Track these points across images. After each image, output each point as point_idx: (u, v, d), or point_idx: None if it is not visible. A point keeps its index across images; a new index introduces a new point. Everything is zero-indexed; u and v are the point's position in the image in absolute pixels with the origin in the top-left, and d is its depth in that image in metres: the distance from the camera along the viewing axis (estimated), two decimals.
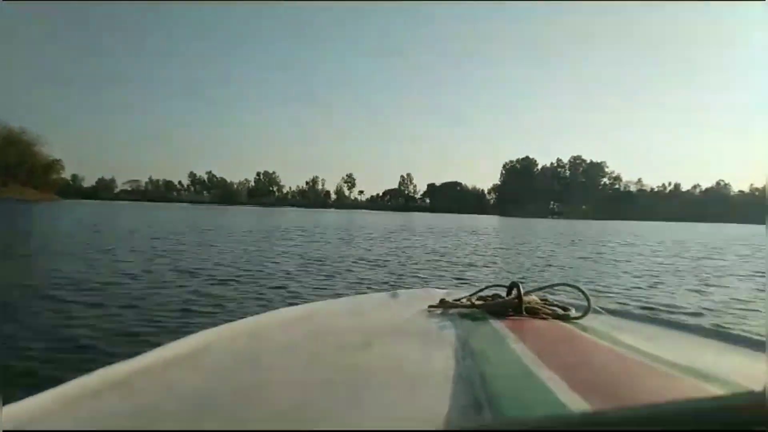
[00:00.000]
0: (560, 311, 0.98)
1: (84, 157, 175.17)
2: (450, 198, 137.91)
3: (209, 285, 5.35)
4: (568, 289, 1.09)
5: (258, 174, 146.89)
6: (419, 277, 6.95)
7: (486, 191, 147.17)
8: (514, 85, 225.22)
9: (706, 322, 4.50)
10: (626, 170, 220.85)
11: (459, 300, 1.08)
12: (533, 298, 1.01)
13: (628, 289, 6.26)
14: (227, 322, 0.88)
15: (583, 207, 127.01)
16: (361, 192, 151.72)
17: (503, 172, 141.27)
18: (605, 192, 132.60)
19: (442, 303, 1.06)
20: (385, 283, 6.25)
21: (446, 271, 7.75)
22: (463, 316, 0.98)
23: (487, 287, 1.18)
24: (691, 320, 4.48)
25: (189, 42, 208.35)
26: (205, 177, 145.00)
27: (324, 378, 0.60)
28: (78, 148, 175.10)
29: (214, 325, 0.83)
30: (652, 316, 1.11)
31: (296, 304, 1.27)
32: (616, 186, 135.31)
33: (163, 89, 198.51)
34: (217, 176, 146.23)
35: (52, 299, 4.23)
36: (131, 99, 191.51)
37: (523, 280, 1.75)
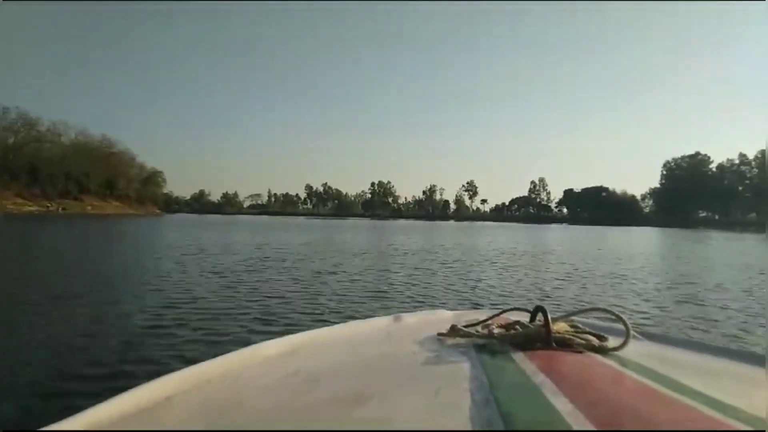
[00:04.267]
0: (595, 341, 0.81)
1: (201, 173, 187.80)
2: (593, 206, 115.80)
3: None
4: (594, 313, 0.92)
5: (372, 184, 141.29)
6: None
7: (640, 197, 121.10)
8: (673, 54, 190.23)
9: None
10: None
11: (472, 325, 0.93)
12: (562, 325, 0.87)
13: None
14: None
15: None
16: (483, 201, 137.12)
17: (664, 172, 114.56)
18: None
19: (453, 330, 0.91)
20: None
21: None
22: (479, 348, 0.82)
23: (504, 311, 1.05)
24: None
25: (302, 54, 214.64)
26: (321, 189, 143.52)
27: None
28: (197, 165, 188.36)
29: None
30: (701, 343, 0.95)
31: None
32: None
33: (281, 102, 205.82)
34: (333, 188, 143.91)
35: None
36: (250, 112, 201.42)
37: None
